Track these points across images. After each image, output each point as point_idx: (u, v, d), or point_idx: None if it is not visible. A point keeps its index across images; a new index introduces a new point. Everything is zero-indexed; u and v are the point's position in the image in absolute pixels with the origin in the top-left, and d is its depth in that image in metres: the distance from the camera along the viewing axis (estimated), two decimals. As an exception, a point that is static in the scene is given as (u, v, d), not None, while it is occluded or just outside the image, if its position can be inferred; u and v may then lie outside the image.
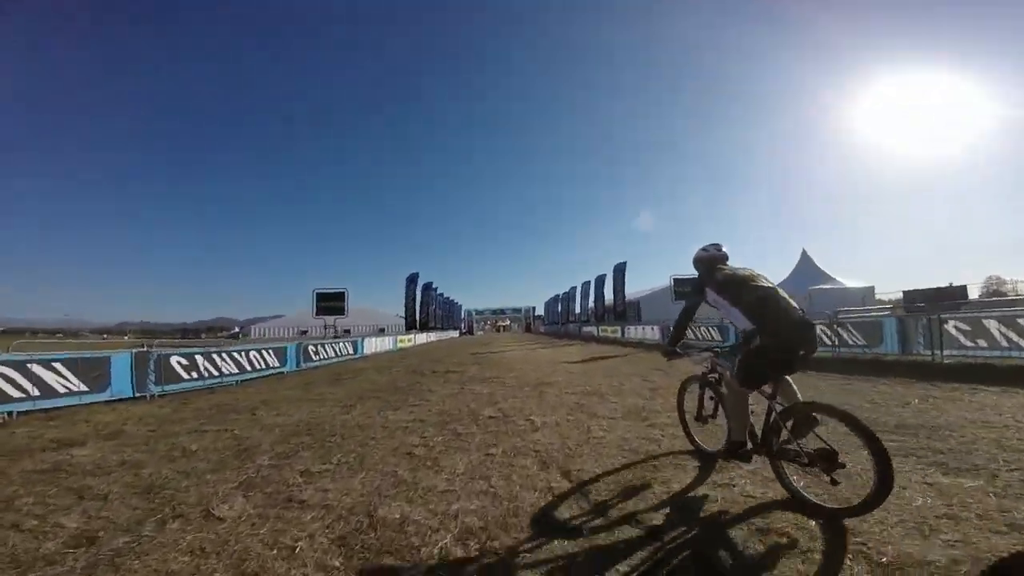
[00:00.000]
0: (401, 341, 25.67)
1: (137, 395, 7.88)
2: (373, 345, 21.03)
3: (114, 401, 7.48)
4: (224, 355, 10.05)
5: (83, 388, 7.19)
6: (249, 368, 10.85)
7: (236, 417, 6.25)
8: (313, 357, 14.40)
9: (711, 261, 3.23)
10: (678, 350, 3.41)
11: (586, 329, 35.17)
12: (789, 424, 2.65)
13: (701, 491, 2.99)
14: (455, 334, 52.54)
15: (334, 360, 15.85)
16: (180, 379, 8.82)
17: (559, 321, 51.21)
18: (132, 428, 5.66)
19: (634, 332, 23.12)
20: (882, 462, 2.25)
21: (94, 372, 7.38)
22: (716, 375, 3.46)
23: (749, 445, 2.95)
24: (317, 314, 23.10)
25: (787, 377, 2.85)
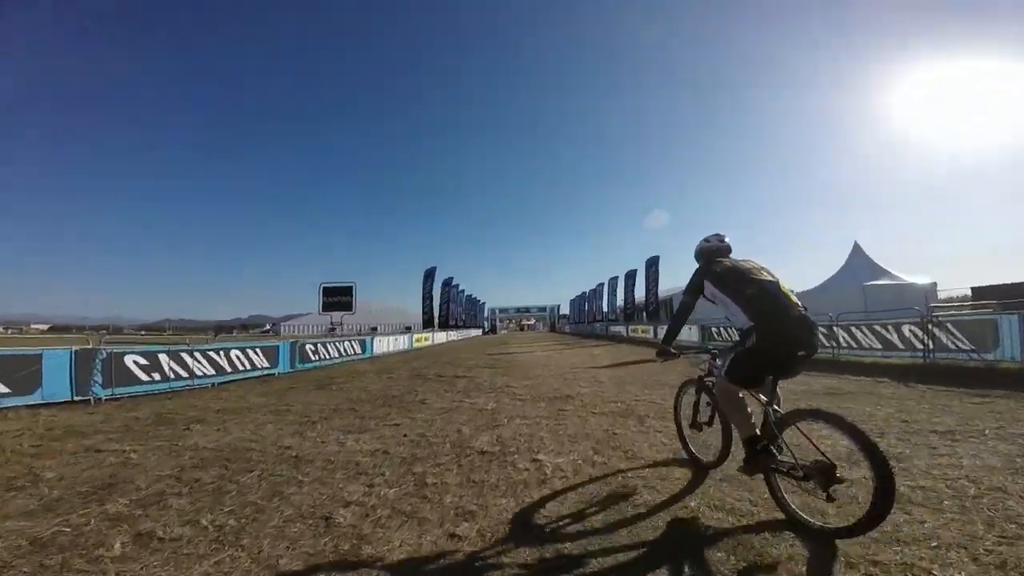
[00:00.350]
0: (418, 340, 24.31)
1: (78, 398, 6.66)
2: (385, 344, 19.71)
3: (44, 405, 6.27)
4: (197, 355, 8.79)
5: (4, 390, 5.99)
6: (229, 369, 9.57)
7: (163, 431, 4.89)
8: (312, 357, 13.09)
9: (712, 253, 2.95)
10: (672, 350, 3.11)
11: (614, 328, 33.11)
12: (785, 434, 2.36)
13: None
14: (477, 333, 51.22)
15: (336, 361, 14.51)
16: (138, 381, 7.59)
17: (585, 320, 49.18)
18: (15, 442, 4.34)
19: (668, 333, 21.04)
20: (883, 477, 1.91)
21: (20, 372, 6.17)
22: (713, 379, 3.12)
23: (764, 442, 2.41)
24: (324, 310, 21.89)
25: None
